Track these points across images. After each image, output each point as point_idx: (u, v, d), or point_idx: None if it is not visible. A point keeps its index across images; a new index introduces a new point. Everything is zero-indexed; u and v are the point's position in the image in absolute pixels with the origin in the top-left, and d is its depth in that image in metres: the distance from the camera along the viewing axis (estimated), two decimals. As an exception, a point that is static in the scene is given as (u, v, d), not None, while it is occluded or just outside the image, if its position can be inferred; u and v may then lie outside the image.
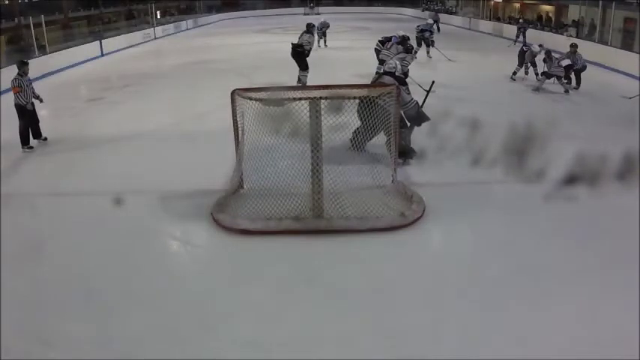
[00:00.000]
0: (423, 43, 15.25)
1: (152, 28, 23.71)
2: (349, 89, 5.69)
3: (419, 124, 6.54)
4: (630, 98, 9.82)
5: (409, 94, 6.52)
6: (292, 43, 10.67)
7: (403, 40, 10.48)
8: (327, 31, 18.08)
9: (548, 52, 10.74)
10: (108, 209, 5.38)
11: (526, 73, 11.84)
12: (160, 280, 4.20)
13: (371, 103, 5.59)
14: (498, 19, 25.59)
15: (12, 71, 7.92)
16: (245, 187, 5.59)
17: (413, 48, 10.87)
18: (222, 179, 5.74)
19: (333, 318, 3.66)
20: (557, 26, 20.39)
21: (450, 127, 6.61)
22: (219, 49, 18.88)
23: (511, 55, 13.25)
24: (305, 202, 5.02)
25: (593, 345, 3.29)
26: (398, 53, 9.53)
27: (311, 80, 10.14)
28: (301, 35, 10.75)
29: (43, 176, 6.59)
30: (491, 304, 3.77)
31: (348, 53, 16.18)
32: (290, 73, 10.46)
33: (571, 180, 5.20)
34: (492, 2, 27.38)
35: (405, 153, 6.31)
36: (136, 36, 21.78)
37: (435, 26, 17.86)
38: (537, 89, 10.68)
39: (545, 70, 10.71)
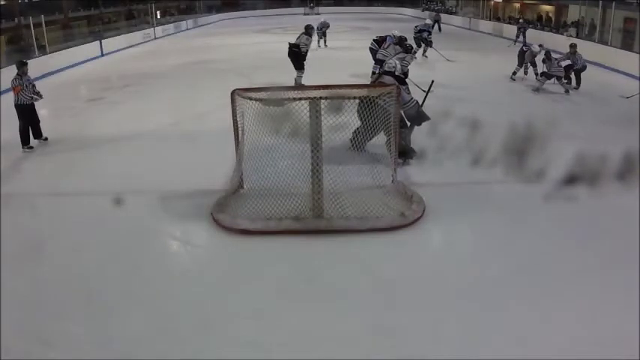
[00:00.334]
0: (421, 43, 15.27)
1: (152, 28, 23.70)
2: (349, 89, 5.70)
3: (419, 124, 6.54)
4: (628, 97, 9.83)
5: (409, 93, 6.52)
6: (289, 43, 10.66)
7: (401, 41, 10.46)
8: (327, 31, 18.09)
9: (547, 53, 10.73)
10: (108, 209, 5.38)
11: (525, 73, 11.85)
12: (160, 280, 4.20)
13: (371, 103, 5.59)
14: (498, 19, 25.58)
15: (12, 71, 7.91)
16: (245, 187, 5.59)
17: (412, 48, 10.86)
18: (222, 179, 5.74)
19: (333, 318, 3.66)
20: (558, 26, 20.39)
21: (449, 127, 6.61)
22: (219, 49, 18.87)
23: (511, 55, 13.24)
24: (305, 202, 5.02)
25: (593, 345, 3.29)
26: (397, 53, 9.52)
27: (311, 80, 10.06)
28: (299, 36, 10.73)
29: (43, 176, 6.59)
30: (491, 304, 3.77)
31: (348, 53, 16.15)
32: (290, 73, 10.46)
33: (571, 180, 5.20)
34: (492, 2, 27.37)
35: (405, 153, 6.31)
36: (136, 36, 21.77)
37: (434, 26, 17.85)
38: (537, 89, 10.67)
39: (545, 70, 10.71)
